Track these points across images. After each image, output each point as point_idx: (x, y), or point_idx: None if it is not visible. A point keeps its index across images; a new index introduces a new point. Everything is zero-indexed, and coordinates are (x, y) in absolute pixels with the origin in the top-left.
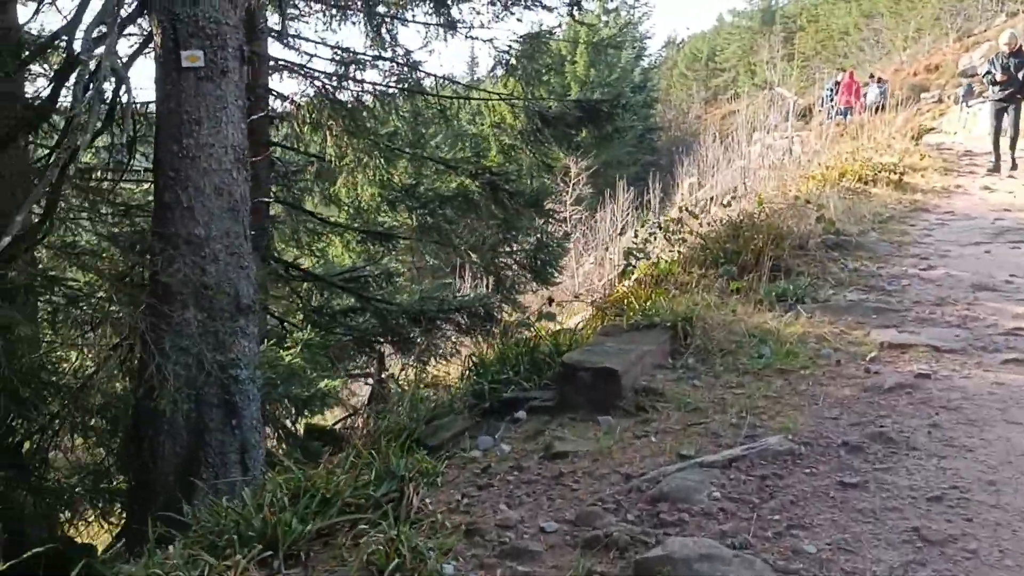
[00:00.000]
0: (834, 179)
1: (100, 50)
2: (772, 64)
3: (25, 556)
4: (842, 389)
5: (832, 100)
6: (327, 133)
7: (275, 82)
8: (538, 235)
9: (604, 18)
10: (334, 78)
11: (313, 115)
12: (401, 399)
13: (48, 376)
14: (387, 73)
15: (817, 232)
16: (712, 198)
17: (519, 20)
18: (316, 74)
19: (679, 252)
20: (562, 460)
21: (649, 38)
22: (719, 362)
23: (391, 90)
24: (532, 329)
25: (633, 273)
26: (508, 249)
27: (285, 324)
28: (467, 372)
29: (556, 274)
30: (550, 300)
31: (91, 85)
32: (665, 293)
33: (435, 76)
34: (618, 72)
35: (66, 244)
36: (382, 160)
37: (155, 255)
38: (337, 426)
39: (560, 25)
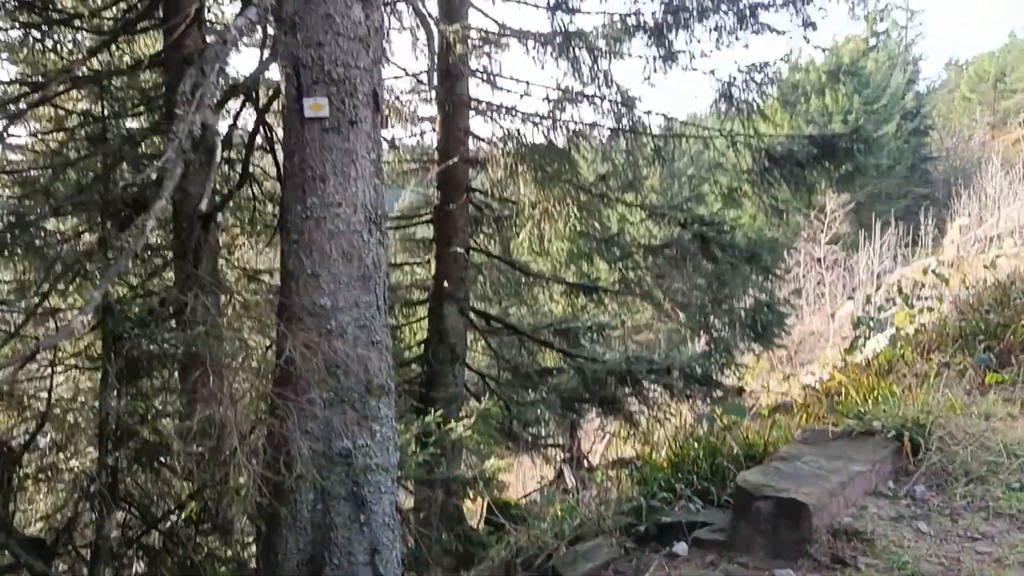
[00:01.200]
0: None
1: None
2: None
3: None
4: None
5: None
6: (519, 179)
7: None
8: (756, 295)
9: (872, 41)
10: (535, 118)
11: (507, 160)
12: (544, 505)
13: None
14: (602, 112)
15: None
16: (992, 238)
17: (746, 47)
18: (516, 115)
19: (920, 325)
20: None
21: (922, 60)
22: (961, 493)
23: (598, 129)
24: (714, 422)
25: (861, 348)
26: (723, 307)
27: (487, 380)
28: (630, 474)
29: (781, 336)
30: (740, 391)
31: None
32: (893, 385)
33: (651, 113)
34: (886, 98)
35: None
36: (575, 209)
37: (278, 328)
38: (525, 500)
39: (791, 52)
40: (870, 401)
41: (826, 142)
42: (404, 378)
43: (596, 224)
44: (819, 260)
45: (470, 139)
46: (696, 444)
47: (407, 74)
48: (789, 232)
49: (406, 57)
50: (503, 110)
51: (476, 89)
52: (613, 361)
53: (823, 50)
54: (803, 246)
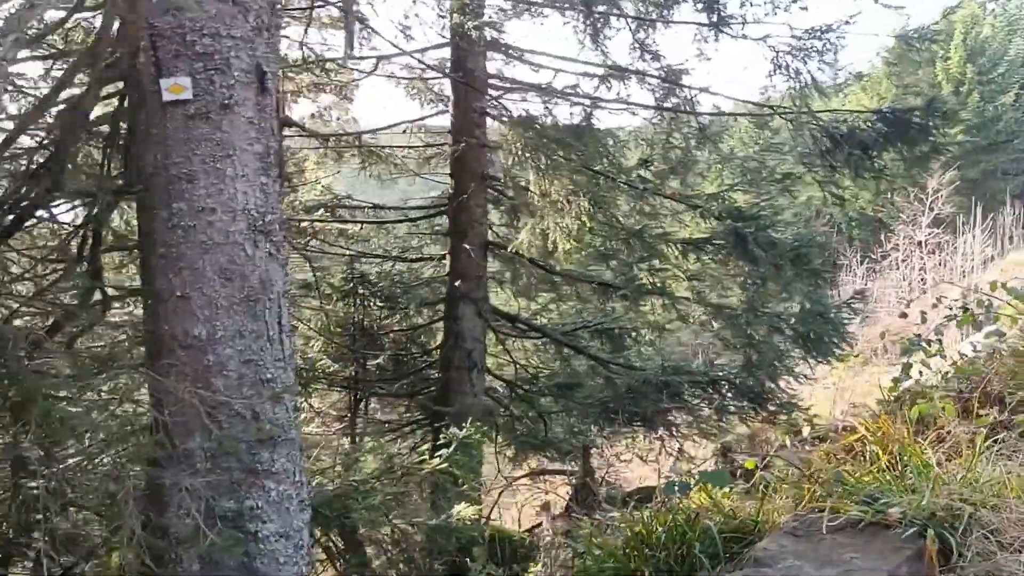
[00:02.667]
0: None
1: None
2: None
3: None
4: None
5: None
6: (530, 167)
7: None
8: (802, 302)
9: (991, 5)
10: (558, 96)
11: (517, 145)
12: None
13: None
14: (646, 88)
15: None
16: None
17: (803, 8)
18: (540, 93)
19: (969, 369)
20: None
21: None
22: None
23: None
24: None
25: (908, 379)
26: (763, 315)
27: (515, 389)
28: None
29: (840, 347)
30: (724, 452)
31: None
32: (925, 449)
33: (702, 90)
34: (1003, 67)
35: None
36: (585, 202)
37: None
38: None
39: (859, 12)
40: (888, 475)
41: (897, 119)
42: (418, 387)
43: (620, 218)
44: (920, 244)
45: (487, 121)
46: (661, 521)
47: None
48: (891, 213)
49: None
50: (525, 88)
51: (498, 66)
52: (649, 370)
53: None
54: (902, 229)
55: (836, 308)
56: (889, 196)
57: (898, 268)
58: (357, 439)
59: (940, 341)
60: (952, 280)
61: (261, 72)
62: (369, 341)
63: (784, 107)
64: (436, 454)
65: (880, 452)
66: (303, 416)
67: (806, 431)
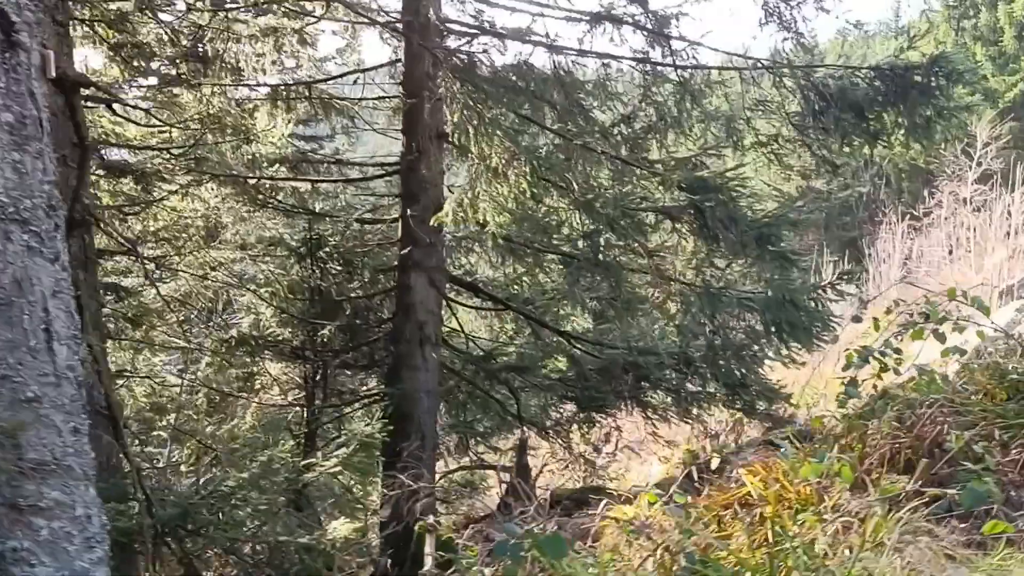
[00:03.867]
0: None
1: None
2: None
3: None
4: None
5: None
6: (468, 127)
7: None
8: (767, 287)
9: None
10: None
11: (458, 98)
12: None
13: None
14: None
15: None
16: None
17: None
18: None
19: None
20: None
21: None
22: None
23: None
24: None
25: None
26: (725, 295)
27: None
28: None
29: (819, 339)
30: (693, 458)
31: None
32: (818, 527)
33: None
34: None
35: None
36: (527, 167)
37: None
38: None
39: None
40: (760, 555)
41: (897, 76)
42: (375, 359)
43: (568, 186)
44: (964, 201)
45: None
46: None
47: None
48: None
49: None
50: (474, 32)
51: (466, 8)
52: (618, 349)
53: None
54: (947, 186)
55: (816, 291)
56: (943, 147)
57: (941, 227)
58: (316, 411)
59: (897, 353)
60: (925, 274)
61: (7, 22)
62: (325, 307)
63: (776, 61)
64: (333, 454)
65: (764, 515)
66: (258, 383)
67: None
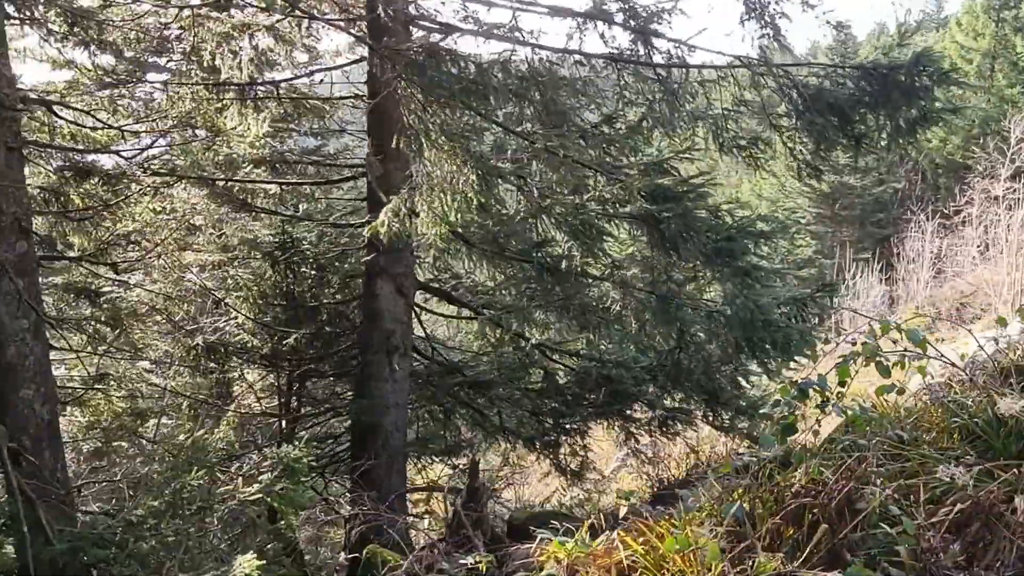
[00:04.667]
0: None
1: None
2: None
3: None
4: None
5: None
6: (422, 132)
7: None
8: (726, 305)
9: None
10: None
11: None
12: None
13: None
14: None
15: None
16: None
17: None
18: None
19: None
20: None
21: None
22: None
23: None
24: None
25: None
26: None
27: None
28: None
29: (803, 353)
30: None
31: None
32: None
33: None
34: None
35: None
36: (473, 174)
37: None
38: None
39: None
40: None
41: (878, 75)
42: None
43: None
44: (997, 199)
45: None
46: None
47: None
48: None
49: None
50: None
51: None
52: (592, 363)
53: None
54: (979, 183)
55: (794, 307)
56: (980, 140)
57: (973, 225)
58: (290, 421)
59: (842, 385)
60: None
61: None
62: (298, 313)
63: (749, 59)
64: (259, 479)
65: None
66: (236, 390)
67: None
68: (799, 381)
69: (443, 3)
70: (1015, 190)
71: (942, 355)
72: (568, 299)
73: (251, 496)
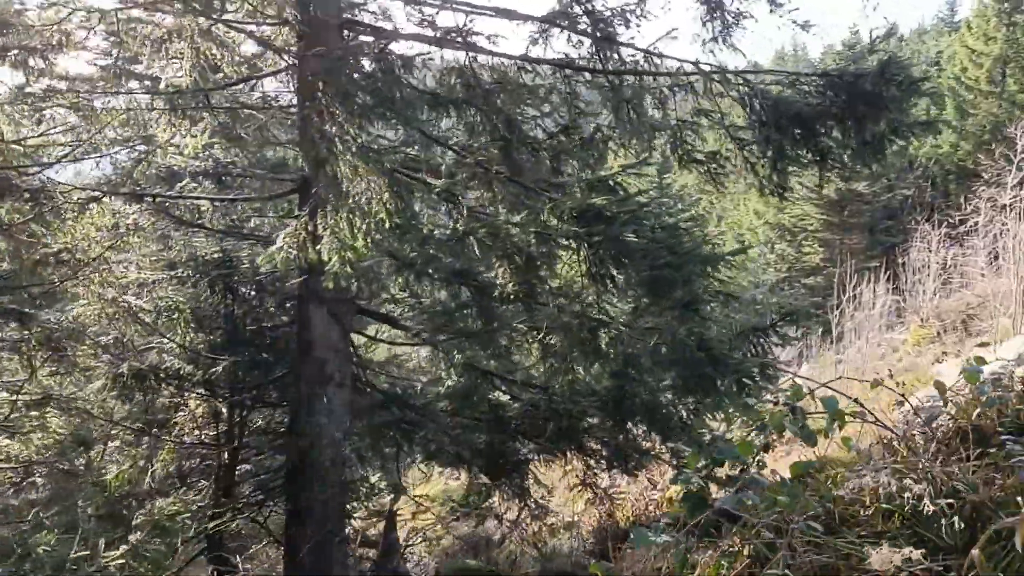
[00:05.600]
0: None
1: None
2: None
3: None
4: None
5: None
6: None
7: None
8: (662, 340)
9: None
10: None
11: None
12: None
13: None
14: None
15: None
16: None
17: None
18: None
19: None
20: None
21: None
22: None
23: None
24: None
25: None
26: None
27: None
28: None
29: (749, 396)
30: None
31: None
32: None
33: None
34: None
35: None
36: (386, 192)
37: None
38: None
39: None
40: None
41: (846, 84)
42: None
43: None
44: (1004, 208)
45: None
46: None
47: None
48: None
49: None
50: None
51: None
52: (540, 394)
53: None
54: (985, 192)
55: (749, 338)
56: (991, 146)
57: (978, 234)
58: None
59: (765, 450)
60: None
61: None
62: (233, 338)
63: (704, 66)
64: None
65: None
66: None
67: None
68: (712, 444)
69: (384, 9)
70: (1022, 199)
71: (876, 419)
72: (497, 330)
73: (114, 560)
